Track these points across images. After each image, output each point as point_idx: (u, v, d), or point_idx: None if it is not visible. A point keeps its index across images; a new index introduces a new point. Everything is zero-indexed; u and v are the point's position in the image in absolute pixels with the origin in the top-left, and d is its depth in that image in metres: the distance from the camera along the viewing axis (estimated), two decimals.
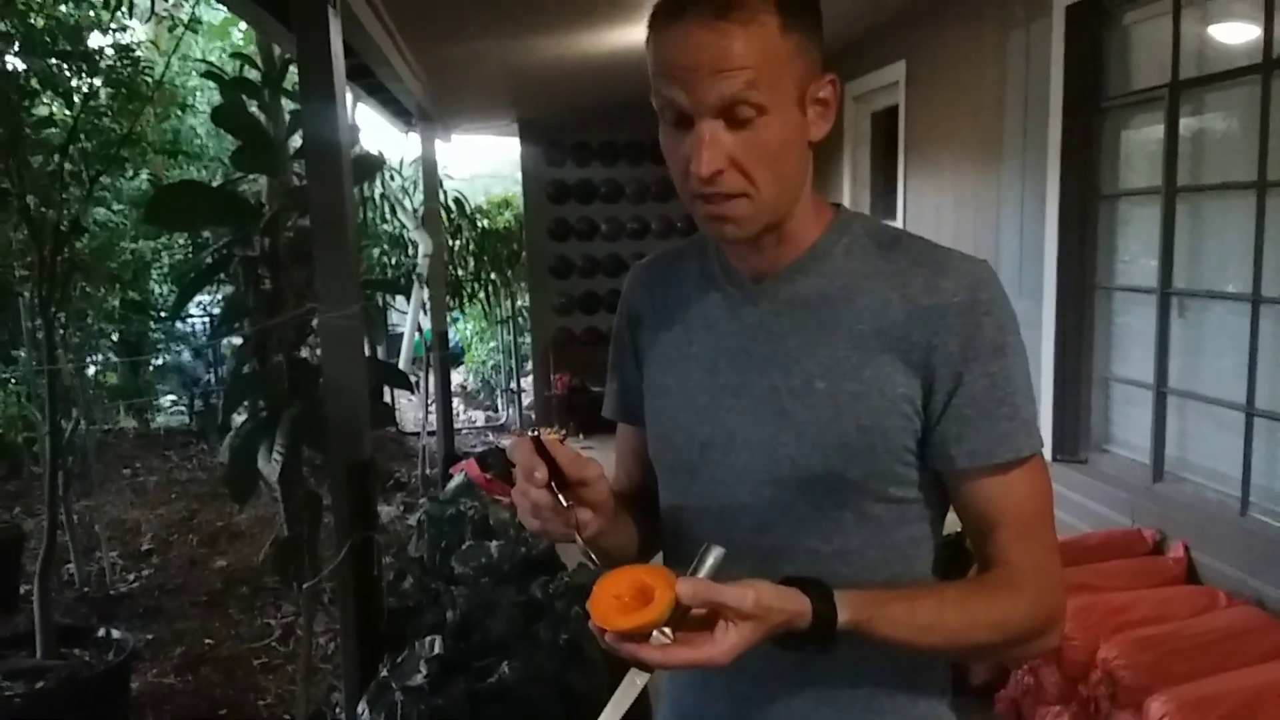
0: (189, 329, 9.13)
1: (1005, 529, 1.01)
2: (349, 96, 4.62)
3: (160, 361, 8.46)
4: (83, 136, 3.44)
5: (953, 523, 1.09)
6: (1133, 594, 2.85)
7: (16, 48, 3.22)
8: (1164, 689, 2.31)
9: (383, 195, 7.23)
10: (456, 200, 8.04)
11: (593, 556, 0.98)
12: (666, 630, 0.87)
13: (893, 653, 0.97)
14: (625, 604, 0.88)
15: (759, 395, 1.04)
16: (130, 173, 5.16)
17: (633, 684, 0.89)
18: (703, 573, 0.90)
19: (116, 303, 6.34)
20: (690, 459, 1.09)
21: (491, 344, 9.54)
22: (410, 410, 8.55)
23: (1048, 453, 3.60)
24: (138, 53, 3.69)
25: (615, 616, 0.87)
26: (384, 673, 2.50)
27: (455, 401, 8.20)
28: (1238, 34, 2.98)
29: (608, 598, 0.89)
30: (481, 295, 8.49)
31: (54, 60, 3.28)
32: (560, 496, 0.95)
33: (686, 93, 0.94)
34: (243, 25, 6.28)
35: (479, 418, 9.24)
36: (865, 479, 1.01)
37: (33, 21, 3.30)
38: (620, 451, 1.27)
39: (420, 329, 6.98)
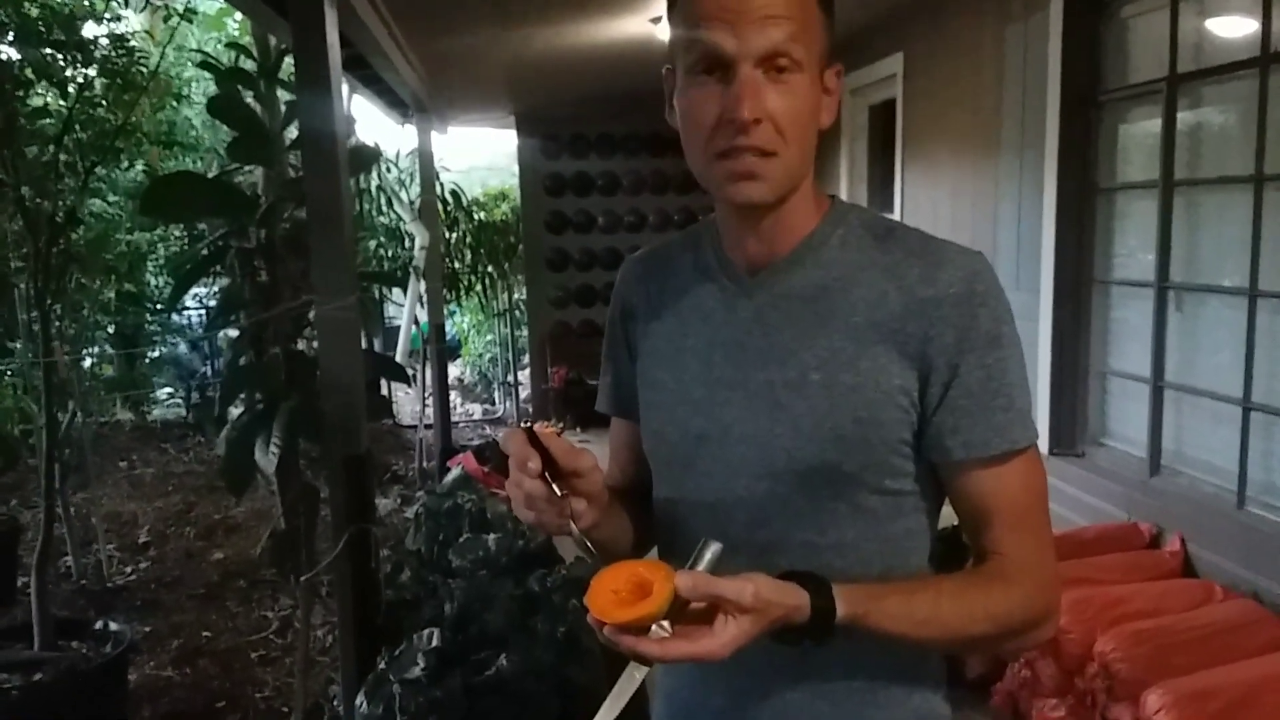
0: (184, 321, 9.12)
1: (1000, 520, 1.01)
2: (344, 87, 4.61)
3: (156, 354, 8.46)
4: (78, 127, 3.43)
5: (949, 516, 1.09)
6: (1129, 587, 2.85)
7: (11, 37, 3.20)
8: (1161, 682, 2.32)
9: (379, 187, 7.22)
10: (453, 192, 8.03)
11: (589, 545, 0.98)
12: (665, 624, 0.86)
13: (889, 646, 0.97)
14: (623, 598, 0.88)
15: (754, 388, 1.04)
16: (125, 164, 5.15)
17: (631, 677, 0.89)
18: (701, 567, 0.89)
19: (112, 294, 6.33)
20: (685, 452, 1.09)
21: (488, 337, 9.53)
22: (407, 403, 8.56)
23: (1045, 446, 3.62)
24: (133, 43, 3.68)
25: (613, 609, 0.87)
26: (382, 665, 2.50)
27: (452, 395, 8.21)
28: (1235, 28, 2.98)
29: (606, 592, 0.88)
30: (478, 288, 8.48)
31: (49, 50, 3.26)
32: (554, 486, 0.95)
33: (734, 36, 0.94)
34: (238, 15, 6.26)
35: (476, 411, 9.24)
36: (861, 471, 1.01)
37: (27, 10, 3.29)
38: (614, 446, 1.26)
39: (417, 322, 6.98)
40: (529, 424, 0.95)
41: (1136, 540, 3.18)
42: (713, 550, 0.90)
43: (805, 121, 0.98)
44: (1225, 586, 2.81)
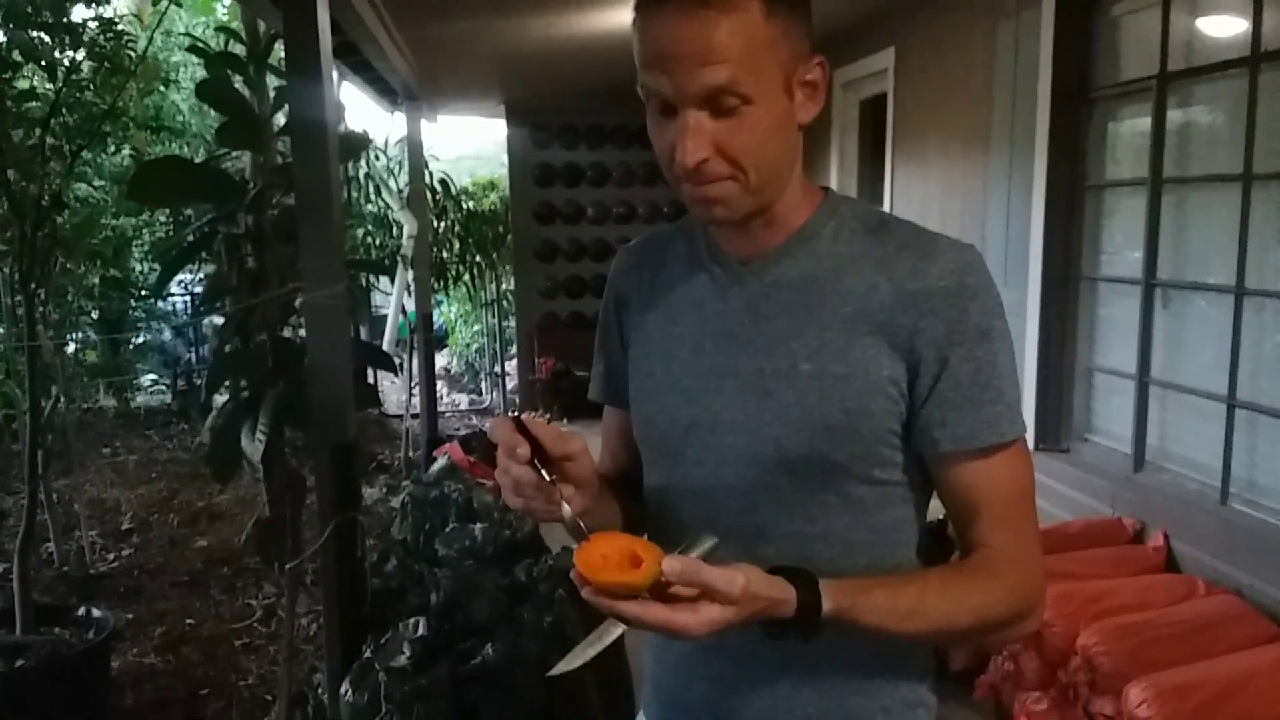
0: (169, 307, 9.07)
1: (987, 513, 1.02)
2: (334, 74, 4.59)
3: (140, 340, 8.41)
4: (65, 110, 3.40)
5: (935, 509, 1.09)
6: (1113, 582, 2.87)
7: None
8: (1143, 676, 2.33)
9: (367, 175, 7.19)
10: (442, 181, 7.99)
11: (582, 528, 0.98)
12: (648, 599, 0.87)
13: (876, 639, 0.98)
14: (611, 565, 0.88)
15: (745, 377, 1.04)
16: (112, 148, 5.10)
17: (608, 631, 0.90)
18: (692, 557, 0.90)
19: (96, 280, 6.29)
20: (675, 440, 1.09)
21: (476, 327, 9.51)
22: (393, 392, 8.53)
23: (1030, 441, 3.63)
24: (121, 26, 3.64)
25: (600, 569, 0.87)
26: (367, 654, 2.50)
27: (439, 384, 8.18)
28: (1226, 27, 2.99)
29: (596, 555, 0.89)
30: (466, 278, 8.46)
31: (37, 32, 3.23)
32: (543, 473, 0.95)
33: (670, 82, 0.94)
34: (226, 0, 6.22)
35: (462, 401, 9.23)
36: (850, 461, 1.01)
37: None
38: (605, 434, 1.27)
39: (404, 311, 6.95)
40: (517, 413, 0.95)
41: (1120, 535, 3.20)
42: (707, 544, 0.91)
43: (764, 145, 0.97)
44: (1208, 582, 2.83)
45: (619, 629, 0.89)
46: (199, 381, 8.10)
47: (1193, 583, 2.84)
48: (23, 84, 3.53)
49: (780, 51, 0.95)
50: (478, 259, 8.41)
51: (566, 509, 0.95)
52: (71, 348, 6.45)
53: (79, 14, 3.48)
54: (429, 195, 7.34)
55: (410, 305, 6.70)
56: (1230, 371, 2.91)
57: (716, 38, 0.91)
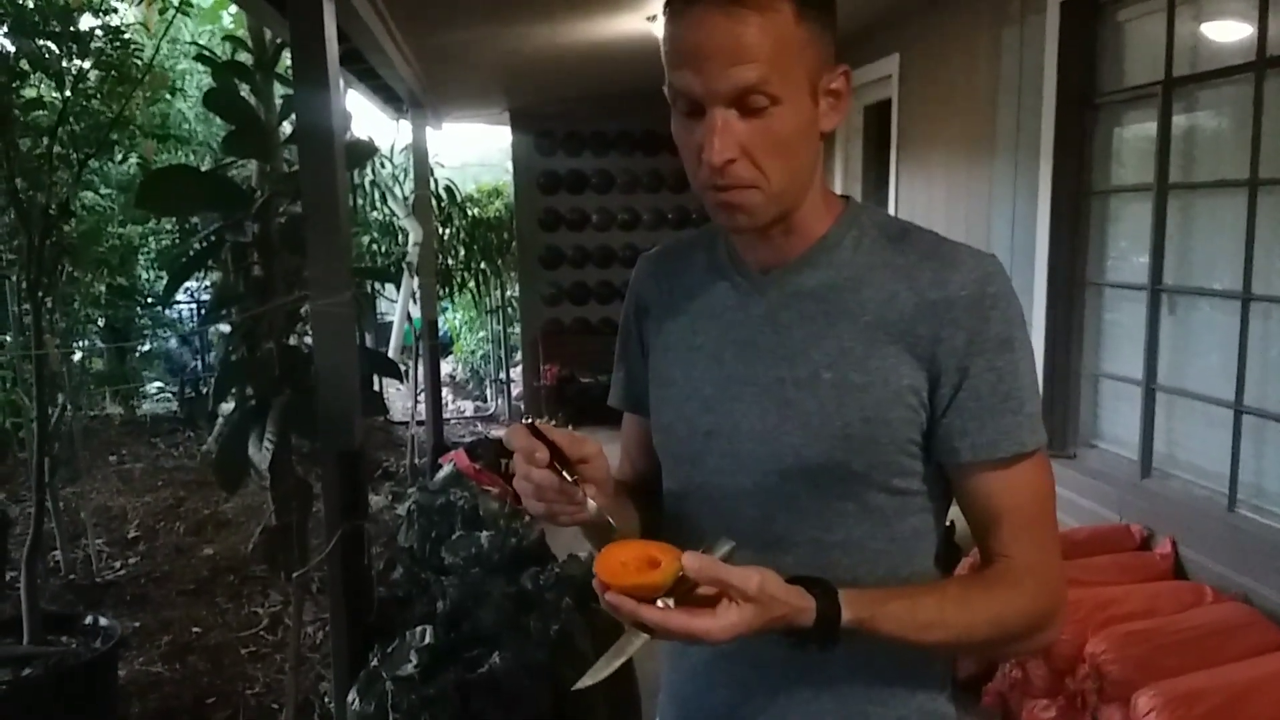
0: (175, 315, 9.08)
1: (1007, 523, 1.02)
2: (340, 82, 4.59)
3: (146, 348, 8.42)
4: (72, 119, 3.41)
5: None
6: (1121, 589, 2.86)
7: (6, 28, 3.18)
8: (1151, 683, 2.33)
9: (373, 182, 7.20)
10: (447, 188, 8.00)
11: (611, 521, 0.96)
12: (669, 601, 0.87)
13: (895, 649, 0.98)
14: (631, 570, 0.88)
15: (765, 385, 1.05)
16: (119, 156, 5.11)
17: (630, 641, 0.90)
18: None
19: (103, 288, 6.30)
20: (694, 448, 1.09)
21: (481, 334, 9.51)
22: (398, 399, 8.53)
23: None
24: (127, 35, 3.65)
25: (620, 574, 0.88)
26: (374, 662, 2.50)
27: (444, 391, 8.19)
28: (1231, 32, 2.99)
29: (615, 561, 0.89)
30: (471, 284, 8.46)
31: (44, 41, 3.24)
32: (564, 475, 0.95)
33: (700, 80, 0.94)
34: (233, 9, 6.22)
35: (468, 408, 9.23)
36: (869, 470, 1.01)
37: (23, 1, 3.27)
38: (625, 441, 1.28)
39: (410, 318, 6.96)
40: (530, 420, 0.95)
41: (1128, 542, 3.19)
42: (725, 547, 0.91)
43: (789, 149, 0.97)
44: (1216, 588, 2.82)
45: (640, 639, 0.89)
46: (205, 389, 8.11)
47: (1200, 590, 2.83)
48: (30, 93, 3.53)
49: (808, 56, 0.96)
50: (482, 266, 8.40)
51: (592, 504, 0.96)
52: (78, 356, 6.46)
53: (86, 23, 3.49)
54: (434, 202, 7.35)
55: (415, 312, 6.71)
56: (1237, 377, 2.90)
57: (749, 36, 0.92)
